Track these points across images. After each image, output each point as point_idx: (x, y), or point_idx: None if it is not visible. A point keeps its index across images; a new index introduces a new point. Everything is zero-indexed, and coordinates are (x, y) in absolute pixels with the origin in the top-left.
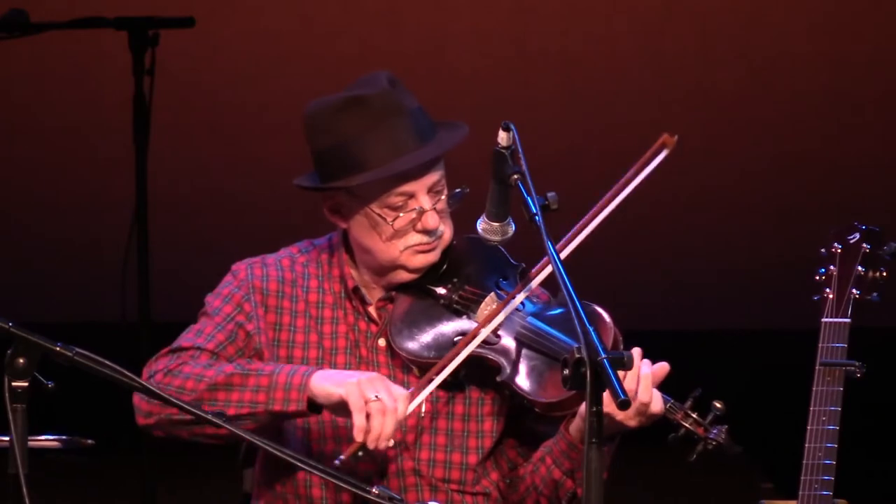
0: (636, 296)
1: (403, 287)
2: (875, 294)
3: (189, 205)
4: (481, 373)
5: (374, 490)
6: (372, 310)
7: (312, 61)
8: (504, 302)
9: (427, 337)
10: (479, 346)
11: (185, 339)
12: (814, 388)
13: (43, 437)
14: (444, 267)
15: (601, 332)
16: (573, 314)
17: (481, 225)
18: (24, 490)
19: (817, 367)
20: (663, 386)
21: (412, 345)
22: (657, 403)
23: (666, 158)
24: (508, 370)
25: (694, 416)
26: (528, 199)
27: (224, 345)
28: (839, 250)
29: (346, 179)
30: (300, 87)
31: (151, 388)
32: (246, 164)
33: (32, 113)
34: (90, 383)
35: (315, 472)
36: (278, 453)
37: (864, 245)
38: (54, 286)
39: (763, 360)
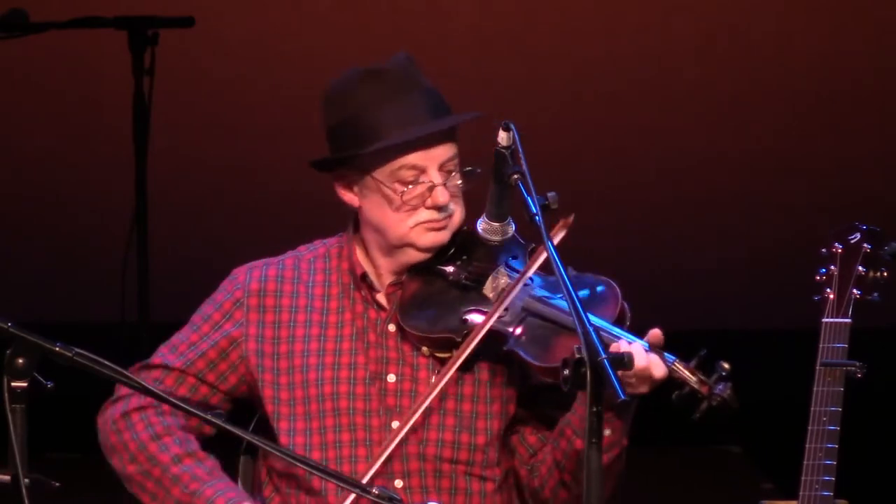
0: (635, 295)
1: (412, 271)
2: (876, 294)
3: (189, 205)
4: (490, 345)
5: (374, 490)
6: (381, 297)
7: (312, 61)
8: (518, 280)
9: (437, 313)
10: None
11: (159, 353)
12: (814, 389)
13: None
14: (453, 249)
15: (609, 301)
16: (573, 314)
17: (481, 225)
18: (24, 490)
19: (818, 368)
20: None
21: (422, 322)
22: (658, 368)
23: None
24: (515, 339)
25: (699, 374)
26: (528, 199)
27: (193, 362)
28: (840, 250)
29: (357, 149)
30: (300, 87)
31: (150, 388)
32: (246, 164)
33: (32, 113)
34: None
35: (315, 472)
36: (278, 453)
37: (865, 245)
38: (54, 286)
39: (763, 360)
